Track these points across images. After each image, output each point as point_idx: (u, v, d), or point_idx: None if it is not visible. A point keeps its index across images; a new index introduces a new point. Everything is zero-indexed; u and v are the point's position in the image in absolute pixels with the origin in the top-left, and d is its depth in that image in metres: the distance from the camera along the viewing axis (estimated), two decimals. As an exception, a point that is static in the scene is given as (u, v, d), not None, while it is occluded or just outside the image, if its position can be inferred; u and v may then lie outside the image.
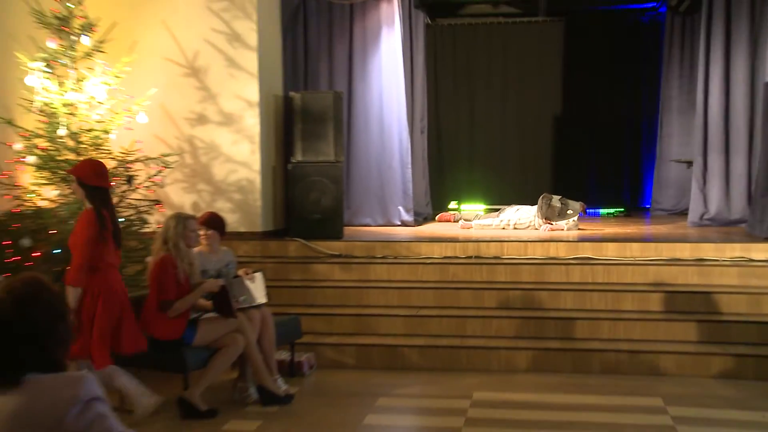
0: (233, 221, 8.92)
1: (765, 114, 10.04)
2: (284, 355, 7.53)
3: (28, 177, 7.89)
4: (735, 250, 8.86)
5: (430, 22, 13.76)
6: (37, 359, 2.41)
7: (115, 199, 7.70)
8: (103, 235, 5.90)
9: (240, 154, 10.02)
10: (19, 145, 7.75)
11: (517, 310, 8.36)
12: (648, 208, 13.82)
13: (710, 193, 11.33)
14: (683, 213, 12.15)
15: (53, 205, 7.76)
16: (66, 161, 7.77)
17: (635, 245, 9.13)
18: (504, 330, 8.09)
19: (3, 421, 2.29)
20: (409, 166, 11.54)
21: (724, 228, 10.90)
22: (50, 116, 7.80)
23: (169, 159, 8.45)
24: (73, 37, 7.85)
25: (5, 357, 2.37)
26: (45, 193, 7.83)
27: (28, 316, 2.42)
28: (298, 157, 10.08)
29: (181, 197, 9.94)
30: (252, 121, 10.01)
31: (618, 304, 8.30)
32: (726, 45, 11.29)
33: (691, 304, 8.14)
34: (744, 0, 11.19)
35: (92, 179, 6.01)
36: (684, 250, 8.93)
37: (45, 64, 7.79)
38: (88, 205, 6.09)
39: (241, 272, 7.04)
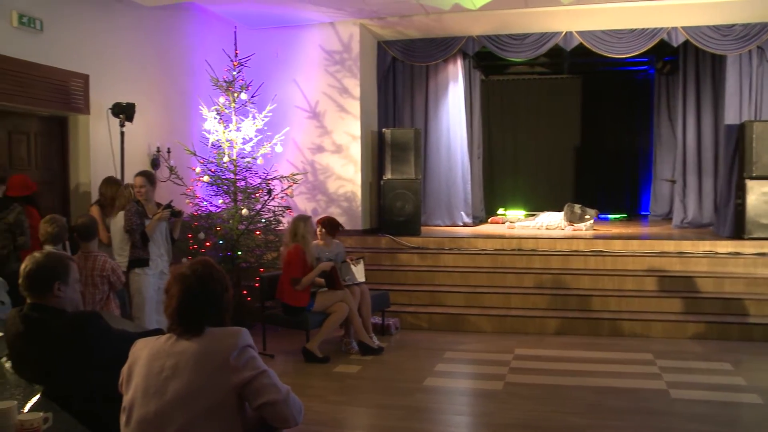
0: (341, 222, 9.05)
1: (726, 147, 9.92)
2: (377, 319, 7.61)
3: (203, 190, 8.16)
4: (705, 246, 8.76)
5: (484, 78, 13.68)
6: (212, 317, 2.55)
7: (257, 206, 7.92)
8: None
9: (347, 173, 10.13)
10: (198, 169, 8.03)
11: (548, 288, 8.32)
12: (645, 214, 13.55)
13: (688, 204, 11.15)
14: (670, 218, 11.90)
15: (219, 210, 8.01)
16: (228, 179, 8.01)
17: (635, 242, 9.01)
18: (538, 303, 8.07)
19: (188, 359, 2.43)
20: (469, 182, 11.49)
21: (698, 229, 10.68)
22: (218, 149, 8.05)
23: (296, 177, 8.55)
24: (235, 94, 8.07)
25: (194, 315, 2.52)
26: (214, 201, 8.08)
27: (207, 288, 2.56)
28: (388, 175, 10.13)
29: (305, 204, 10.08)
30: (355, 150, 10.11)
31: (622, 285, 8.23)
32: (697, 97, 11.19)
33: (674, 285, 8.09)
34: (708, 66, 11.08)
35: None
36: (669, 246, 8.80)
37: (216, 112, 8.05)
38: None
39: (348, 258, 7.15)
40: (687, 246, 8.77)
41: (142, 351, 2.52)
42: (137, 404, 2.43)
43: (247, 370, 2.43)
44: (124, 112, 6.94)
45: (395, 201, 9.99)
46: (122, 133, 6.98)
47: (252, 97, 8.20)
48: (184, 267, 2.59)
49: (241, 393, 2.43)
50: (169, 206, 6.35)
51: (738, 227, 9.22)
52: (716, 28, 9.66)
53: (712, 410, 5.13)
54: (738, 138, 9.48)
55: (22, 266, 3.07)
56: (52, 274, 3.07)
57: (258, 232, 8.04)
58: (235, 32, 8.30)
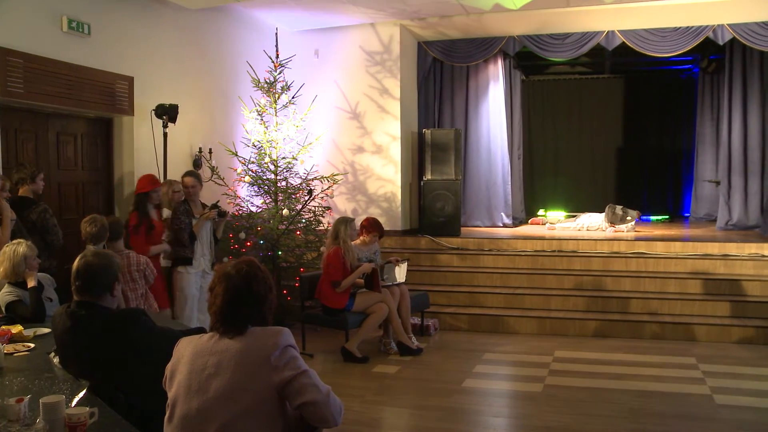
0: (381, 222, 9.08)
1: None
2: (416, 319, 7.62)
3: (244, 190, 8.25)
4: (751, 248, 8.55)
5: (525, 78, 13.57)
6: (255, 317, 2.58)
7: (298, 206, 7.97)
8: None
9: (387, 174, 10.15)
10: (239, 169, 8.12)
11: (588, 290, 8.24)
12: (687, 216, 13.31)
13: (733, 205, 10.91)
14: (713, 220, 11.67)
15: (260, 210, 8.10)
16: (269, 180, 8.09)
17: (677, 243, 8.86)
18: (578, 305, 7.99)
19: (231, 357, 2.46)
20: (509, 182, 11.42)
21: (743, 231, 10.44)
22: (259, 149, 8.13)
23: (337, 177, 8.60)
24: (276, 95, 8.15)
25: (238, 314, 2.54)
26: (255, 202, 8.17)
27: (251, 287, 2.58)
28: (428, 176, 10.12)
29: (345, 205, 10.13)
30: (395, 151, 10.12)
31: (664, 287, 8.11)
32: (743, 96, 10.93)
33: (718, 288, 7.93)
34: (755, 63, 10.83)
35: None
36: (713, 248, 8.63)
37: (258, 113, 8.13)
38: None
39: (392, 259, 7.16)
40: (732, 248, 8.60)
41: (185, 349, 2.56)
42: (180, 401, 2.47)
43: (288, 370, 2.45)
44: (168, 113, 7.06)
45: (435, 202, 9.98)
46: (165, 134, 7.10)
47: (293, 97, 8.27)
48: (228, 266, 2.62)
49: (282, 392, 2.45)
50: (216, 206, 6.46)
51: (786, 229, 9.00)
52: (764, 25, 9.44)
53: (758, 417, 5.02)
54: (786, 138, 9.26)
55: (75, 266, 3.14)
56: (111, 274, 3.15)
57: (298, 232, 8.10)
58: (276, 34, 8.39)
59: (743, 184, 10.90)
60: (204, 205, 6.60)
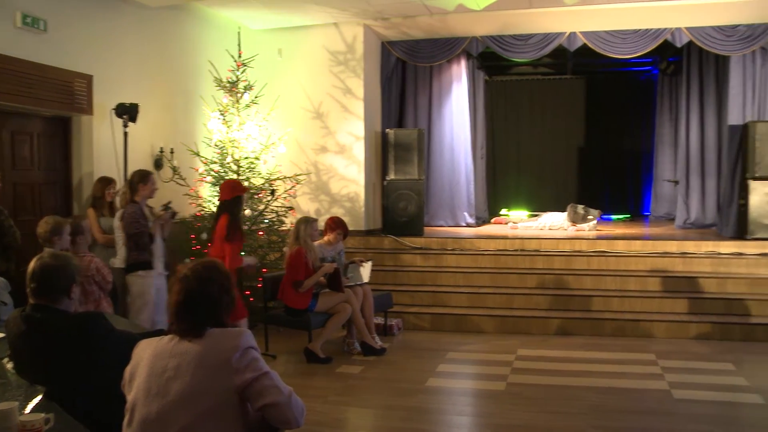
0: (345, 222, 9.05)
1: (729, 147, 9.90)
2: (380, 319, 7.61)
3: (206, 191, 8.16)
4: (708, 246, 8.75)
5: (488, 78, 13.67)
6: (211, 319, 2.55)
7: (261, 206, 7.91)
8: None
9: (350, 174, 10.12)
10: (201, 169, 8.03)
11: (551, 289, 8.32)
12: (647, 215, 13.53)
13: (691, 204, 11.14)
14: (672, 219, 11.89)
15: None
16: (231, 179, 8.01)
17: (637, 242, 9.01)
18: (541, 304, 8.07)
19: (191, 359, 2.44)
20: (472, 182, 11.50)
21: (701, 230, 10.68)
22: (221, 149, 8.05)
23: (300, 177, 8.57)
24: (238, 95, 8.08)
25: (192, 316, 2.52)
26: (217, 202, 8.08)
27: (205, 289, 2.56)
28: (391, 176, 10.13)
29: (308, 205, 10.08)
30: (359, 151, 10.11)
31: (624, 285, 8.24)
32: (700, 98, 11.22)
33: (677, 286, 8.09)
34: (712, 67, 11.09)
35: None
36: (672, 246, 8.79)
37: (220, 113, 8.06)
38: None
39: (356, 260, 7.15)
40: (690, 246, 8.76)
41: (144, 351, 2.53)
42: (140, 405, 2.44)
43: (249, 372, 2.43)
44: (128, 112, 6.95)
45: (398, 201, 9.99)
46: (125, 134, 7.00)
47: (255, 97, 8.21)
48: (186, 267, 2.60)
49: (243, 394, 2.44)
50: (168, 207, 6.29)
51: (741, 228, 9.21)
52: (720, 29, 9.65)
53: (714, 411, 5.13)
54: (741, 138, 9.47)
55: (31, 268, 3.06)
56: (68, 276, 3.07)
57: (261, 233, 8.04)
58: (239, 33, 8.32)
59: (701, 184, 11.14)
60: (150, 207, 6.41)
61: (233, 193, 6.12)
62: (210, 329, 2.51)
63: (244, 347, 2.46)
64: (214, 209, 7.93)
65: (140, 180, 6.11)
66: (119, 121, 6.98)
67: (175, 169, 7.84)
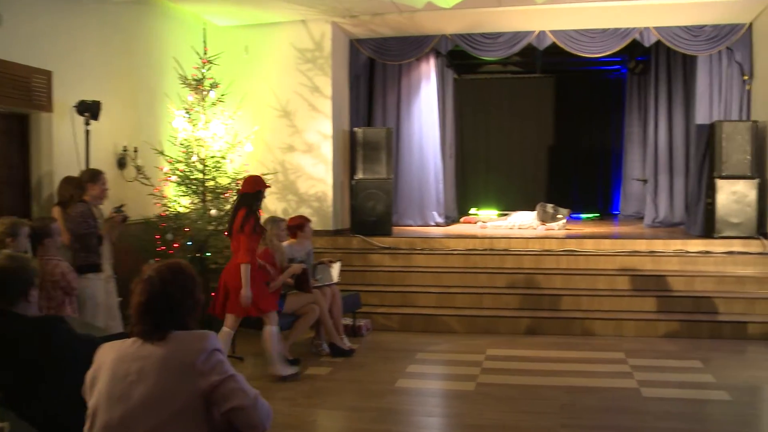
0: (312, 222, 9.02)
1: (696, 146, 10.09)
2: (348, 320, 7.61)
3: (171, 190, 8.07)
4: (677, 245, 8.90)
5: (457, 77, 13.72)
6: (175, 321, 2.51)
7: (228, 206, 7.84)
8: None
9: (318, 173, 10.10)
10: (166, 168, 7.94)
11: (520, 288, 8.38)
12: (616, 213, 13.70)
13: (659, 203, 11.32)
14: (641, 217, 12.05)
15: (187, 210, 7.93)
16: (197, 179, 7.93)
17: (607, 241, 9.12)
18: (510, 303, 8.12)
19: (154, 363, 2.40)
20: (441, 181, 11.54)
21: (669, 228, 10.85)
22: (187, 147, 7.96)
23: (267, 177, 8.50)
24: (204, 92, 7.99)
25: (156, 318, 2.48)
26: (182, 202, 8.00)
27: (168, 290, 2.52)
28: (360, 175, 10.12)
29: (275, 205, 10.01)
30: (327, 150, 10.08)
31: (594, 284, 8.33)
32: (668, 97, 11.41)
33: (645, 284, 8.22)
34: (679, 66, 11.28)
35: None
36: (641, 245, 8.92)
37: (185, 111, 7.97)
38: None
39: (324, 260, 7.13)
40: (658, 245, 8.89)
41: (107, 355, 2.49)
42: (101, 410, 2.40)
43: (214, 375, 2.41)
44: (90, 110, 6.82)
45: (367, 201, 9.98)
46: (87, 132, 6.87)
47: (222, 95, 8.13)
48: (150, 268, 2.56)
49: (209, 398, 2.41)
50: (120, 209, 6.15)
51: (708, 226, 9.37)
52: (687, 29, 9.80)
53: (682, 408, 5.21)
54: (708, 138, 9.63)
55: None
56: (26, 279, 3.01)
57: (227, 233, 7.96)
58: (204, 29, 8.23)
59: (669, 183, 11.31)
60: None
61: (255, 187, 6.10)
62: (174, 332, 2.48)
63: (210, 350, 2.44)
64: (180, 209, 7.89)
65: (90, 179, 5.95)
66: (80, 119, 6.85)
67: (139, 169, 7.73)
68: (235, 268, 5.91)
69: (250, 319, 6.71)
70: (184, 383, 2.38)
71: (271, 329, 6.03)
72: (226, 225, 6.37)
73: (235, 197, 7.91)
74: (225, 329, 6.06)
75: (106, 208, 6.31)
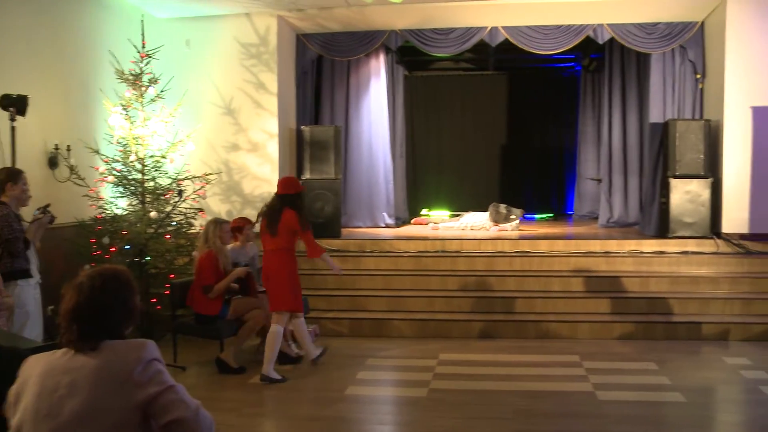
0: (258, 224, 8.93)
1: (650, 145, 10.31)
2: (297, 325, 7.56)
3: (108, 191, 7.90)
4: (631, 245, 9.05)
5: (408, 73, 13.76)
6: (108, 330, 2.43)
7: (168, 208, 7.72)
8: None
9: (263, 173, 10.02)
10: (102, 168, 7.76)
11: (473, 291, 8.41)
12: (570, 213, 13.90)
13: (614, 203, 11.53)
14: (595, 217, 12.26)
15: (125, 213, 7.79)
16: (135, 179, 7.79)
17: (561, 242, 9.23)
18: (463, 306, 8.15)
19: (87, 375, 2.32)
20: (391, 182, 11.54)
21: (623, 228, 11.05)
22: (124, 146, 7.81)
23: (210, 177, 8.40)
24: (142, 88, 7.85)
25: (85, 327, 2.40)
26: (120, 203, 7.85)
27: (98, 298, 2.44)
28: (307, 175, 10.08)
29: (218, 206, 9.90)
30: (273, 149, 10.01)
31: (548, 286, 8.42)
32: (622, 95, 11.64)
33: (600, 285, 8.33)
34: (633, 64, 11.52)
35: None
36: (596, 245, 9.05)
37: (122, 107, 7.81)
38: None
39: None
40: (613, 245, 9.04)
41: (33, 368, 2.39)
42: (27, 427, 2.30)
43: (152, 386, 2.34)
44: (15, 104, 6.59)
45: (314, 202, 9.92)
46: (13, 128, 6.65)
47: (161, 91, 8.00)
48: (83, 274, 2.48)
49: (146, 410, 2.34)
50: (46, 210, 5.96)
51: (662, 226, 9.56)
52: (641, 27, 10.01)
53: (638, 411, 5.28)
54: (662, 136, 9.84)
55: None
56: None
57: (168, 236, 7.84)
58: (142, 21, 8.07)
59: (623, 182, 11.53)
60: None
61: (297, 189, 6.41)
62: (108, 341, 2.40)
63: (147, 359, 2.37)
64: (117, 211, 7.73)
65: (9, 179, 5.67)
66: (5, 114, 6.63)
67: (72, 168, 7.54)
68: (277, 265, 6.32)
69: (194, 328, 6.64)
70: (120, 396, 2.31)
71: (277, 329, 6.24)
72: (262, 225, 6.46)
73: (176, 199, 7.80)
74: (274, 327, 6.27)
75: (31, 209, 6.09)
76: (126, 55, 7.93)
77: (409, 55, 12.44)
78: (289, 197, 6.33)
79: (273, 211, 6.37)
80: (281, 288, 6.27)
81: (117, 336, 2.45)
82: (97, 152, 7.80)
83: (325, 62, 11.57)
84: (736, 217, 9.20)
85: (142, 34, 7.94)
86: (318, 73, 11.70)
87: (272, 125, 10.01)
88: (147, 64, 7.90)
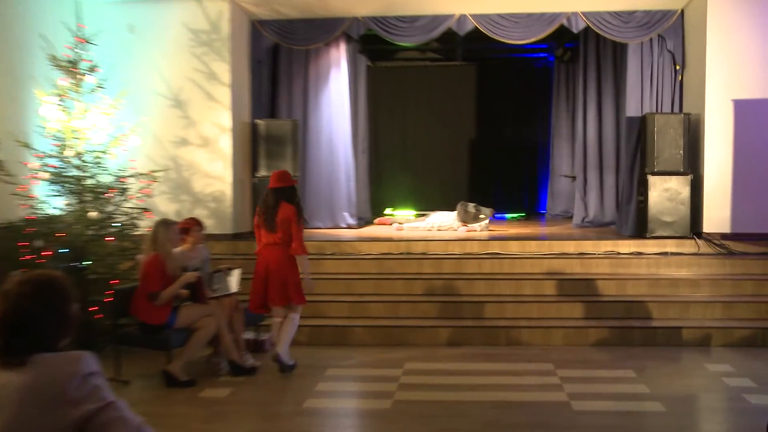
0: (209, 225, 8.82)
1: (627, 140, 10.41)
2: (250, 334, 7.50)
3: (41, 189, 7.74)
4: (607, 246, 9.15)
5: (371, 64, 13.77)
6: (38, 343, 2.37)
7: (110, 208, 7.59)
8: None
9: (215, 170, 9.94)
10: (34, 164, 7.61)
11: (440, 295, 8.41)
12: (543, 213, 14.02)
13: (589, 201, 11.65)
14: (570, 217, 12.37)
15: (62, 213, 7.64)
16: (72, 177, 7.64)
17: (533, 243, 9.29)
18: (429, 312, 8.14)
19: (13, 393, 2.25)
20: (353, 179, 11.53)
21: (599, 228, 11.17)
22: (60, 140, 7.67)
23: (156, 174, 8.29)
24: (80, 77, 7.72)
25: (14, 340, 2.33)
26: (55, 203, 7.70)
27: (26, 308, 2.37)
28: (262, 172, 10.04)
29: (166, 206, 9.78)
30: (225, 144, 9.93)
31: (519, 289, 8.44)
32: (598, 86, 11.78)
33: (575, 289, 8.37)
34: (609, 54, 11.68)
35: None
36: (570, 246, 9.14)
37: (57, 97, 7.66)
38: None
39: (222, 267, 7.02)
40: (588, 246, 9.12)
41: (-47, 386, 2.31)
42: (-55, 451, 2.22)
43: (89, 403, 2.26)
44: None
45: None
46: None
47: (102, 80, 7.86)
48: (11, 281, 2.40)
49: (83, 430, 2.27)
50: None
51: (640, 225, 9.67)
52: (617, 15, 10.10)
53: (615, 421, 5.30)
54: (639, 131, 9.95)
55: None
56: None
57: (110, 239, 7.71)
58: (77, 3, 7.92)
59: (599, 180, 11.65)
60: None
61: (291, 182, 6.73)
62: (39, 355, 2.32)
63: (83, 374, 2.29)
64: (50, 211, 7.58)
65: None
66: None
67: (-1, 164, 7.39)
68: (279, 259, 6.59)
69: (139, 338, 6.54)
70: (52, 415, 2.23)
71: (295, 317, 6.68)
72: (260, 218, 6.74)
73: (119, 198, 7.69)
74: (276, 319, 6.71)
75: None
76: (60, 40, 7.76)
77: (372, 44, 12.44)
78: (285, 190, 6.62)
79: (268, 206, 6.65)
80: (288, 280, 6.58)
81: (50, 349, 2.37)
82: (28, 146, 7.62)
83: (282, 51, 11.51)
84: (717, 216, 9.34)
85: (79, 17, 7.79)
86: (274, 63, 11.65)
87: (225, 118, 9.92)
88: (85, 50, 7.76)
